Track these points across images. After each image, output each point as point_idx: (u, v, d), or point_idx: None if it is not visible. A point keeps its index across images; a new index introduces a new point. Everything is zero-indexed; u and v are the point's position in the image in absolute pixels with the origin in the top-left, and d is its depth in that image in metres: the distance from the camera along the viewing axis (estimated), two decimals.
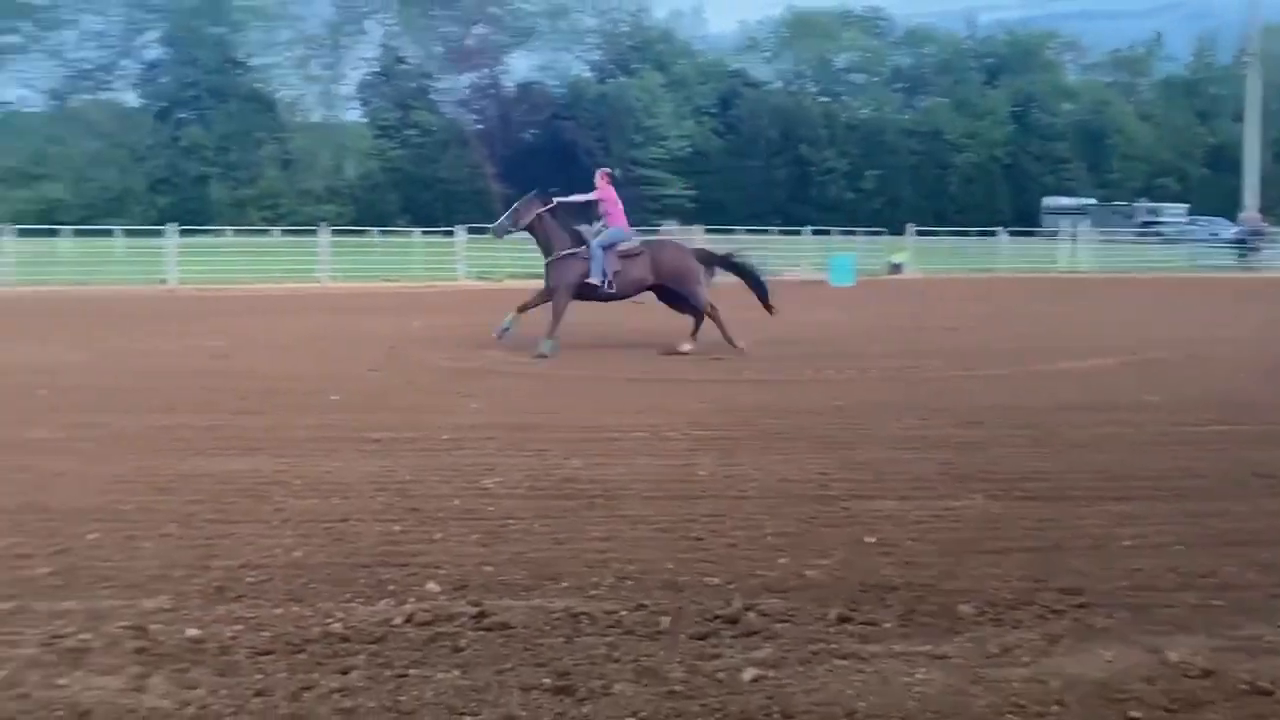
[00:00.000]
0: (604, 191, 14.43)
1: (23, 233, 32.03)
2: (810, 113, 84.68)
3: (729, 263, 15.02)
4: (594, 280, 13.90)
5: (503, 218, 14.69)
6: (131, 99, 76.09)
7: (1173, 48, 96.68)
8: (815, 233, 40.22)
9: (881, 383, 11.46)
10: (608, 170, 15.04)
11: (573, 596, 4.68)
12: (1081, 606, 4.52)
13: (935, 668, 3.90)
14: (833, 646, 4.09)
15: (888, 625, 4.34)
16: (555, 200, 14.45)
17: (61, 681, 3.76)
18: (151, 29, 74.86)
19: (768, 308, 14.80)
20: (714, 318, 14.20)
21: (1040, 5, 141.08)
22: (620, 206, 14.53)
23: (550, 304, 14.05)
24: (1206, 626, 4.31)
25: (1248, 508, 6.15)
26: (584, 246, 14.06)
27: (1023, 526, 5.77)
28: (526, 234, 14.46)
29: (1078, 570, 5.01)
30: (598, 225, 14.44)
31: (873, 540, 5.50)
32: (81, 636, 4.16)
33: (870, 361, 13.01)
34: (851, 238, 43.16)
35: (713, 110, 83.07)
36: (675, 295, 14.52)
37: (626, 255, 14.22)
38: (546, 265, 14.37)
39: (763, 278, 15.08)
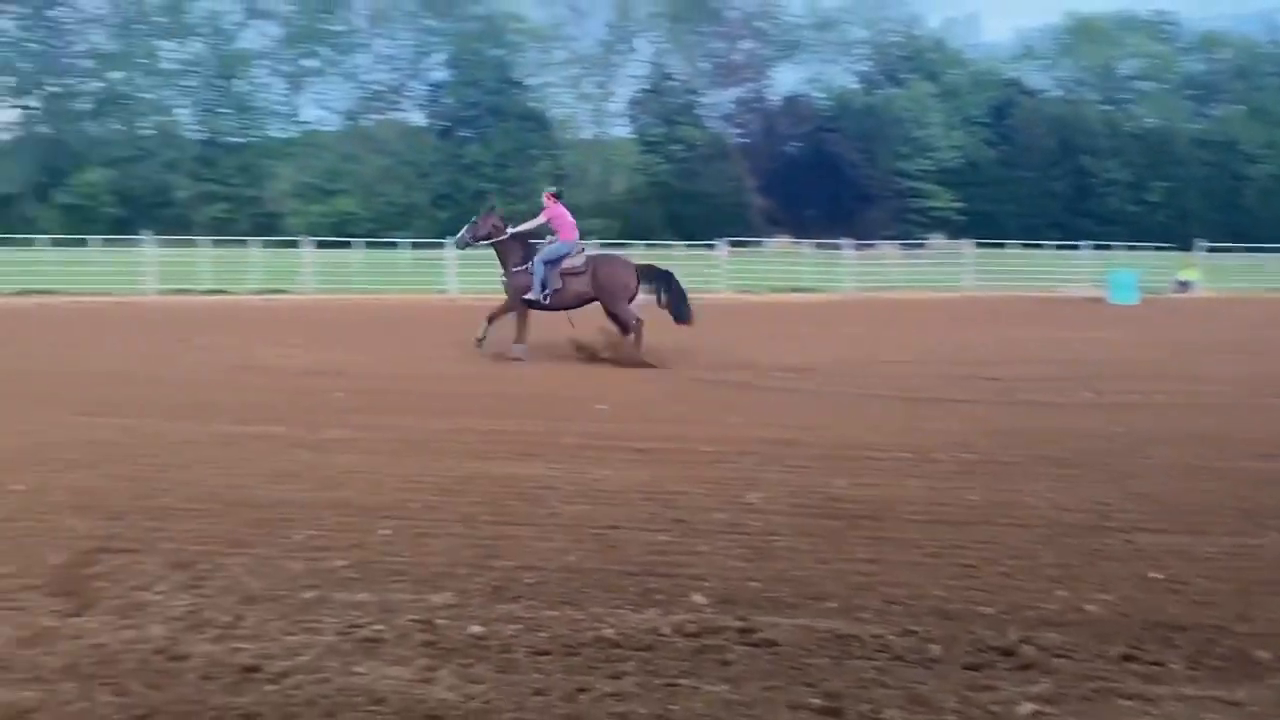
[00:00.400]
0: (552, 210, 15.09)
1: (320, 244, 34.43)
2: (1091, 122, 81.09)
3: (662, 279, 15.13)
4: (533, 296, 14.75)
5: (463, 231, 15.64)
6: (417, 118, 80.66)
7: None
8: (1095, 247, 38.42)
9: (1167, 408, 10.83)
10: (552, 190, 15.67)
11: (839, 618, 4.65)
12: None
13: (1228, 715, 3.67)
14: (1115, 685, 3.92)
15: (1175, 666, 4.11)
16: (509, 232, 15.20)
17: (358, 669, 4.03)
18: (437, 52, 79.16)
19: (685, 323, 15.00)
20: (637, 333, 14.56)
21: None
22: (569, 221, 15.09)
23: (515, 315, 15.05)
24: None
25: None
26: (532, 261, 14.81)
27: None
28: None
29: None
30: (549, 239, 15.07)
31: (1159, 576, 5.21)
32: (375, 627, 4.45)
33: (1154, 385, 12.31)
34: (1135, 253, 41.04)
35: (985, 120, 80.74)
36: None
37: (570, 273, 14.73)
38: (503, 279, 15.23)
39: (685, 299, 15.07)
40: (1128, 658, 4.18)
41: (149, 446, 8.22)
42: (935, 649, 4.27)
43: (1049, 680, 3.96)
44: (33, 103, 72.24)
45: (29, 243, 34.66)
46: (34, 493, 6.70)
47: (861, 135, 77.36)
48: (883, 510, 6.44)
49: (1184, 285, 34.22)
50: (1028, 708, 3.72)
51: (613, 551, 5.56)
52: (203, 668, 4.03)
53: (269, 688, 3.87)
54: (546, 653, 4.20)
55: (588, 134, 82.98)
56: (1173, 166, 79.03)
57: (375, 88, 78.96)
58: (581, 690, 3.87)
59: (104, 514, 6.16)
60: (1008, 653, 4.22)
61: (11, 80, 71.56)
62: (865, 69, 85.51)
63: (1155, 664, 4.13)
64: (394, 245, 44.43)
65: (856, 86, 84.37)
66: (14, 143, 71.41)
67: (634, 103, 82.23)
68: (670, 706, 3.76)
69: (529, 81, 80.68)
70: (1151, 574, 5.24)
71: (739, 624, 4.53)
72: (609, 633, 4.41)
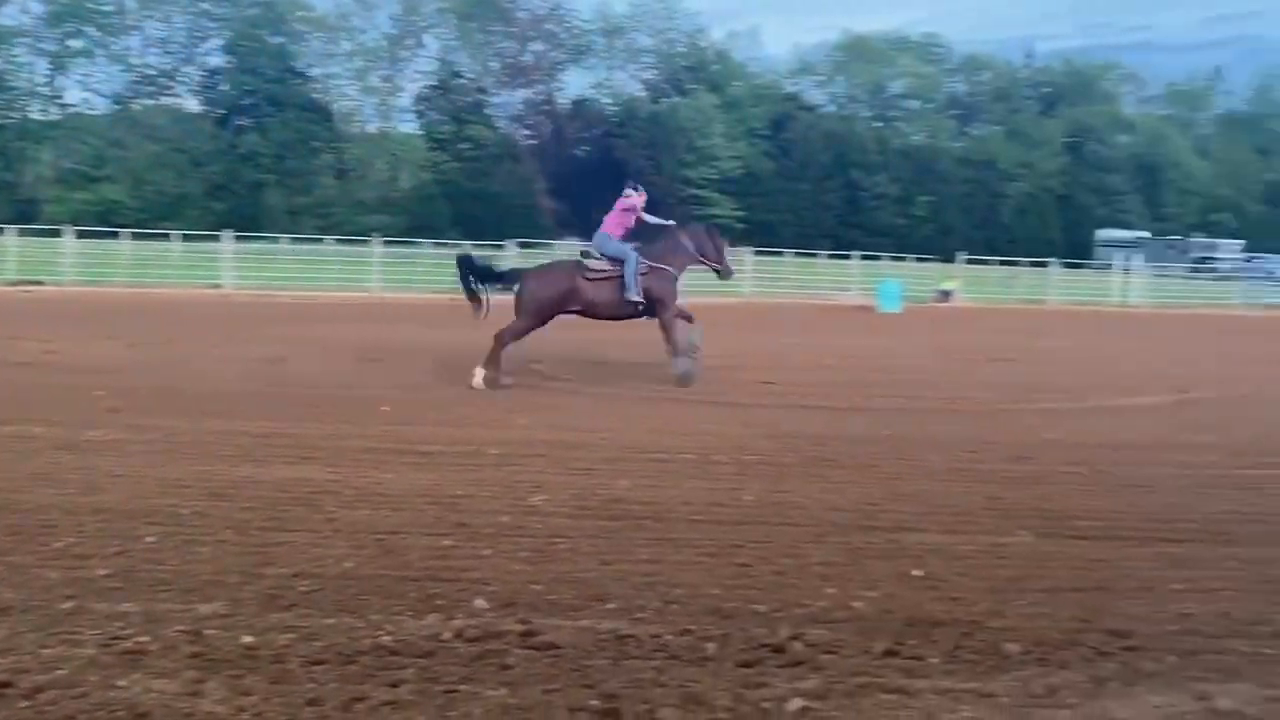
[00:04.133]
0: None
1: (81, 234, 32.59)
2: (863, 137, 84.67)
3: None
4: None
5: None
6: (192, 105, 77.29)
7: (1232, 82, 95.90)
8: (864, 258, 40.08)
9: (930, 413, 11.40)
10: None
11: (619, 619, 4.71)
12: (1129, 650, 4.49)
13: (981, 706, 3.89)
14: (879, 680, 4.10)
15: (934, 661, 4.34)
16: None
17: (120, 683, 3.84)
18: (214, 37, 76.05)
19: None
20: None
21: (1098, 35, 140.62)
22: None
23: None
24: (1257, 675, 4.26)
25: None
26: None
27: (1071, 566, 5.73)
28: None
29: (1126, 613, 4.97)
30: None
31: (919, 574, 5.49)
32: (139, 639, 4.25)
33: (919, 391, 12.94)
34: (900, 264, 43.07)
35: (765, 133, 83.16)
36: None
37: None
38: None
39: None
40: (890, 653, 4.38)
41: None
42: (710, 647, 4.38)
43: (817, 676, 4.11)
44: None
45: None
46: None
47: (647, 142, 78.52)
48: (665, 511, 6.56)
49: (945, 295, 35.96)
50: (797, 703, 3.85)
51: (393, 557, 5.48)
52: None
53: (22, 704, 3.65)
54: (322, 662, 4.10)
55: (373, 128, 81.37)
56: (937, 183, 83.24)
57: (147, 71, 75.21)
58: (357, 699, 3.80)
59: None
60: (779, 650, 4.36)
61: None
62: (651, 77, 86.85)
63: (915, 659, 4.34)
64: (165, 237, 42.49)
65: (643, 94, 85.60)
66: None
67: (421, 99, 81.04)
68: (448, 713, 3.73)
69: (312, 72, 78.49)
70: (913, 572, 5.51)
71: (520, 628, 4.53)
72: (387, 640, 4.35)
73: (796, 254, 46.21)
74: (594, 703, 3.84)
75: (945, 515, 6.75)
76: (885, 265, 41.49)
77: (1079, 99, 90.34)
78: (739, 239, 57.57)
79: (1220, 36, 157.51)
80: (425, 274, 35.10)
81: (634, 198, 13.32)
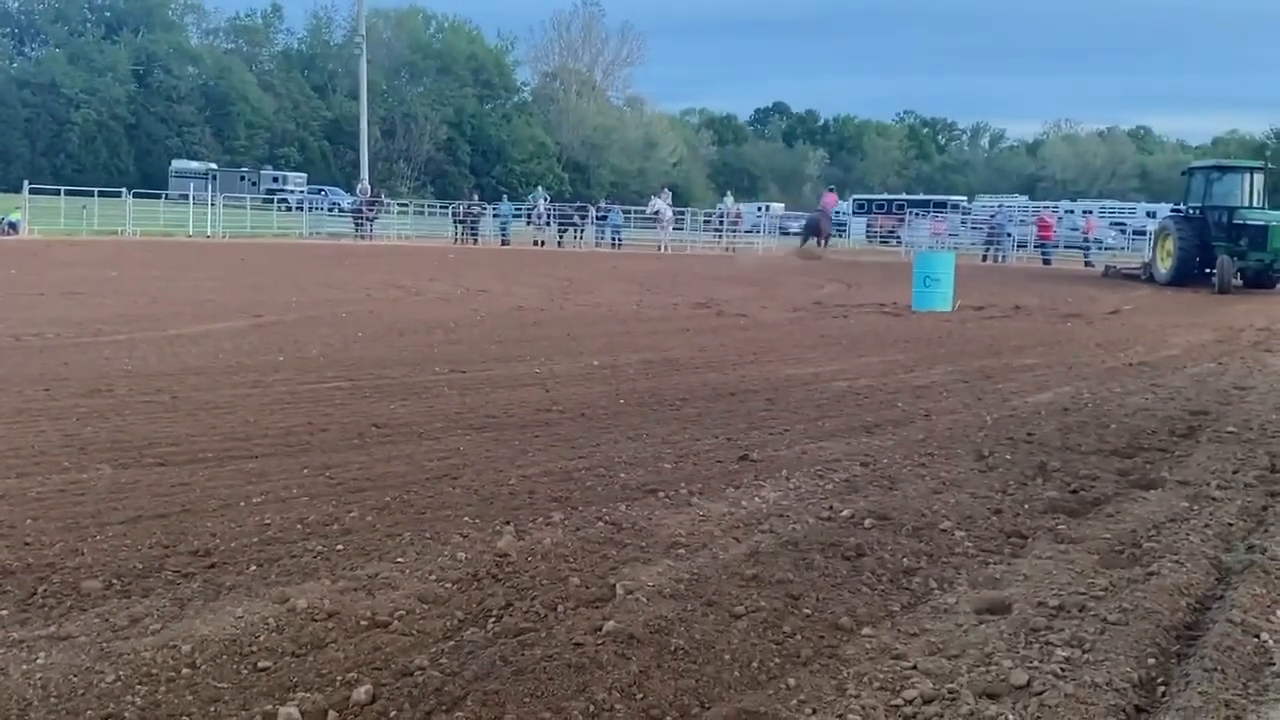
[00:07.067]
0: (826, 199, 49.09)
1: None
2: None
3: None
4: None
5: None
6: None
7: (290, 20, 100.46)
8: None
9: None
10: (831, 189, 56.29)
11: None
12: (211, 567, 4.53)
13: (58, 650, 3.66)
14: None
15: (5, 613, 3.99)
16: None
17: None
18: None
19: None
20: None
21: None
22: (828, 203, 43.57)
23: None
24: (331, 570, 4.55)
25: (366, 457, 6.63)
26: None
27: (153, 493, 5.63)
28: None
29: (208, 531, 5.01)
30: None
31: None
32: None
33: None
34: None
35: None
36: None
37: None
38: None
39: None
40: None
41: None
42: None
43: None
44: None
45: None
46: None
47: None
48: None
49: (12, 227, 33.45)
50: None
51: None
52: None
53: None
54: None
55: None
56: None
57: None
58: None
59: None
60: None
61: None
62: None
63: None
64: None
65: None
66: None
67: None
68: None
69: None
70: None
71: None
72: None
73: None
74: None
75: (17, 458, 6.26)
76: None
77: (144, 26, 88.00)
78: None
79: None
80: None
81: (834, 194, 39.03)
